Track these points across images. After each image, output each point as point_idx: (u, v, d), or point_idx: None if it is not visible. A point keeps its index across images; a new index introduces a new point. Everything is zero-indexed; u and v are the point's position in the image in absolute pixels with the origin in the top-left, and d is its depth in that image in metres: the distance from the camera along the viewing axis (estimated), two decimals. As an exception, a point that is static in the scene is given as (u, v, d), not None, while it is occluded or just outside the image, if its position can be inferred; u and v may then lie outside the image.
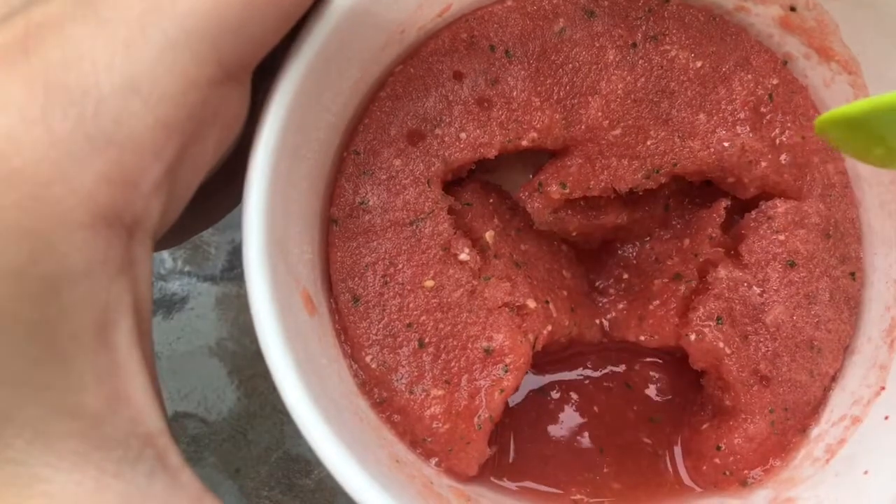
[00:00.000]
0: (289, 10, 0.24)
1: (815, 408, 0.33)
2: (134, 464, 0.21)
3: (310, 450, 0.40)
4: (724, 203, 0.34)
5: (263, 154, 0.25)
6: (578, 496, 0.32)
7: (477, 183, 0.35)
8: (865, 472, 0.29)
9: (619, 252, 0.37)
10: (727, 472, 0.32)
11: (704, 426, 0.34)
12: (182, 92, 0.21)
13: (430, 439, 0.30)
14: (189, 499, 0.22)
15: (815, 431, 0.33)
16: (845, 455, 0.30)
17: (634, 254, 0.37)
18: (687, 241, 0.35)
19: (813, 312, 0.33)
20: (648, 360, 0.35)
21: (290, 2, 0.23)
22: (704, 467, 0.33)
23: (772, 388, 0.32)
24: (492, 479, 0.32)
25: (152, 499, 0.21)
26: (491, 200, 0.35)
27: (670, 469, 0.33)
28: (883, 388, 0.31)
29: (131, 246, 0.21)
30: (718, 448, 0.33)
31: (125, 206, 0.20)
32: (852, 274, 0.34)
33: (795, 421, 0.33)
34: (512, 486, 0.32)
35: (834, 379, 0.33)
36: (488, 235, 0.33)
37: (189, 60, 0.21)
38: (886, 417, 0.30)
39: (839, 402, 0.33)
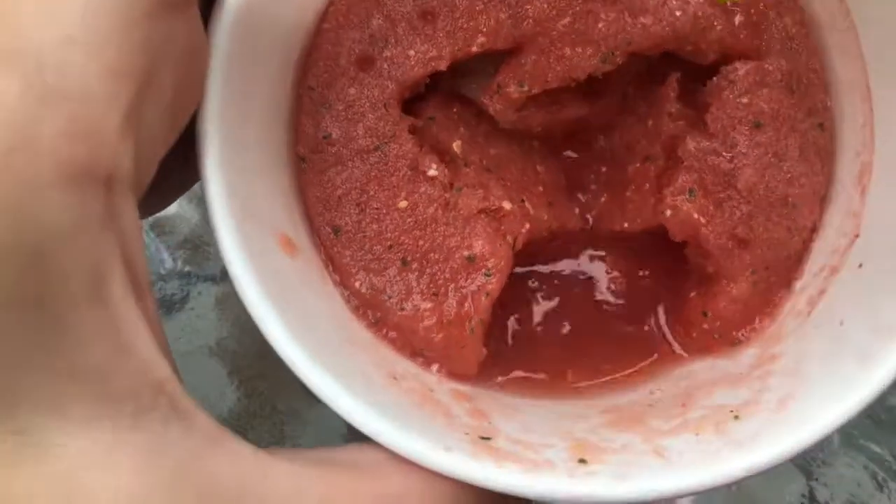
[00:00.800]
0: None
1: (798, 261, 0.34)
2: (148, 413, 0.21)
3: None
4: (675, 76, 0.34)
5: (211, 102, 0.26)
6: (575, 380, 0.34)
7: (439, 95, 0.35)
8: (841, 323, 0.30)
9: (594, 146, 0.37)
10: (716, 336, 0.34)
11: (691, 295, 0.35)
12: (120, 32, 0.20)
13: (427, 350, 0.32)
14: (206, 440, 0.22)
15: (798, 285, 0.34)
16: (824, 306, 0.31)
17: (608, 146, 0.37)
18: (651, 122, 0.35)
19: (784, 169, 0.33)
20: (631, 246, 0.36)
21: None
22: (694, 334, 0.34)
23: (751, 249, 0.33)
24: (493, 376, 0.34)
25: (170, 445, 0.21)
26: (455, 110, 0.35)
27: (658, 337, 0.35)
28: (857, 236, 0.32)
29: (110, 199, 0.20)
30: (705, 314, 0.34)
31: (92, 159, 0.20)
32: (820, 125, 0.34)
33: (779, 277, 0.34)
34: (509, 378, 0.34)
35: (814, 230, 0.34)
36: (455, 145, 0.34)
37: None
38: (860, 265, 0.31)
39: (819, 253, 0.34)
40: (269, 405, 0.42)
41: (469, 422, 0.29)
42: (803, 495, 0.39)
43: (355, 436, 0.26)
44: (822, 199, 0.34)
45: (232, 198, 0.26)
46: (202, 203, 0.45)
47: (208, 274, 0.44)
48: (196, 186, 0.45)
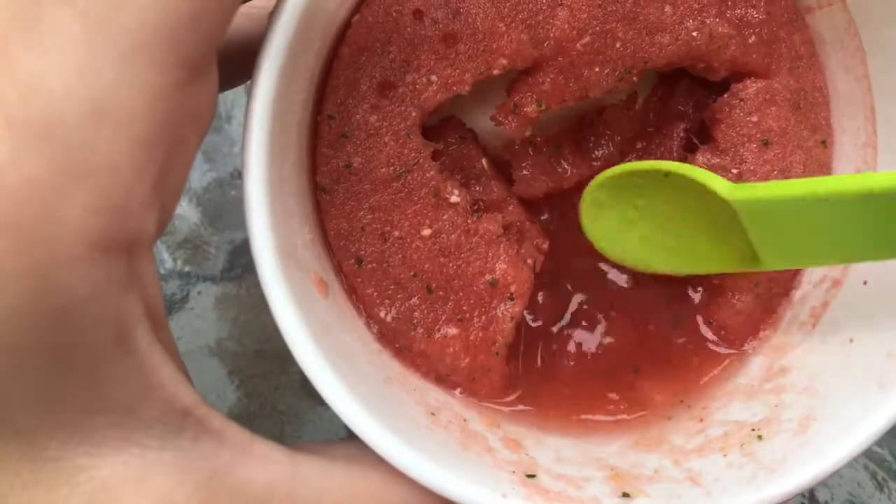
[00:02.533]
0: None
1: (796, 272, 0.36)
2: (177, 433, 0.22)
3: None
4: (682, 127, 0.35)
5: (257, 156, 0.25)
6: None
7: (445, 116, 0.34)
8: (851, 341, 0.31)
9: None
10: (722, 344, 0.35)
11: (697, 303, 0.36)
12: (150, 105, 0.20)
13: (453, 374, 0.32)
14: (236, 450, 0.24)
15: (797, 294, 0.35)
16: (829, 320, 0.33)
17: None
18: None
19: (790, 186, 0.34)
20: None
21: None
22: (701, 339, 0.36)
23: (756, 262, 0.34)
24: (515, 398, 0.34)
25: (202, 459, 0.23)
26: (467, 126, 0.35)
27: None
28: (859, 249, 0.34)
29: (132, 262, 0.21)
30: (710, 323, 0.35)
31: (118, 230, 0.20)
32: (823, 141, 0.35)
33: (779, 288, 0.35)
34: (529, 408, 0.34)
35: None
36: (485, 161, 0.34)
37: (150, 71, 0.20)
38: (865, 282, 0.33)
39: (818, 262, 0.35)
40: (269, 405, 0.43)
41: (509, 456, 0.29)
42: (803, 495, 0.41)
43: (354, 439, 0.26)
44: (820, 212, 0.35)
45: (277, 245, 0.25)
46: (202, 202, 0.45)
47: (208, 274, 0.43)
48: (195, 185, 0.45)
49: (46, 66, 0.19)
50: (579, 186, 0.37)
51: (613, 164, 0.37)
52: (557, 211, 0.37)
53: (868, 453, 0.42)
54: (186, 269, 0.43)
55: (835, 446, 0.28)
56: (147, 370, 0.22)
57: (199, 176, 0.44)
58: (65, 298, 0.19)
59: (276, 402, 0.43)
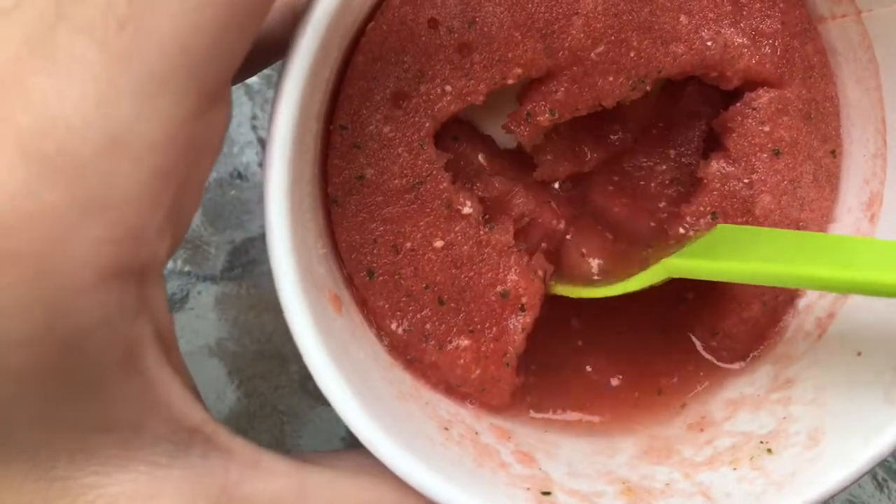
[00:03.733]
0: (259, 11, 0.22)
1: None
2: (186, 450, 0.23)
3: (309, 450, 0.42)
4: (702, 121, 0.35)
5: (279, 175, 0.24)
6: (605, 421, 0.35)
7: (456, 124, 0.34)
8: (858, 354, 0.32)
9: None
10: (726, 353, 0.35)
11: (702, 311, 0.36)
12: (168, 137, 0.20)
13: (463, 385, 0.32)
14: (245, 464, 0.24)
15: (802, 302, 0.35)
16: (835, 331, 0.33)
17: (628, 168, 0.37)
18: (672, 152, 0.36)
19: (798, 196, 0.34)
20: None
21: (259, 5, 0.21)
22: (707, 347, 0.36)
23: (763, 271, 0.35)
24: (525, 409, 0.34)
25: (210, 475, 0.23)
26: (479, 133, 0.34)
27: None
28: (866, 262, 0.34)
29: (144, 288, 0.21)
30: (715, 333, 0.35)
31: (131, 259, 0.20)
32: (832, 152, 0.35)
33: (785, 296, 0.35)
34: (541, 417, 0.34)
35: (818, 251, 0.36)
36: (482, 157, 0.33)
37: (170, 104, 0.20)
38: (872, 295, 0.33)
39: (823, 271, 0.36)
40: (269, 405, 0.42)
41: (522, 471, 0.29)
42: None
43: (354, 439, 0.26)
44: (827, 222, 0.36)
45: (298, 267, 0.25)
46: (202, 202, 0.43)
47: (208, 274, 0.43)
48: None
49: (64, 97, 0.19)
50: (596, 169, 0.37)
51: (629, 149, 0.37)
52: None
53: None
54: (186, 269, 0.42)
55: (843, 465, 0.28)
56: (155, 390, 0.22)
57: None
58: (75, 326, 0.19)
59: (276, 402, 0.43)
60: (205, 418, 0.23)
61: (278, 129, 0.24)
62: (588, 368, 0.35)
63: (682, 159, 0.37)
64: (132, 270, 0.20)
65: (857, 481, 0.28)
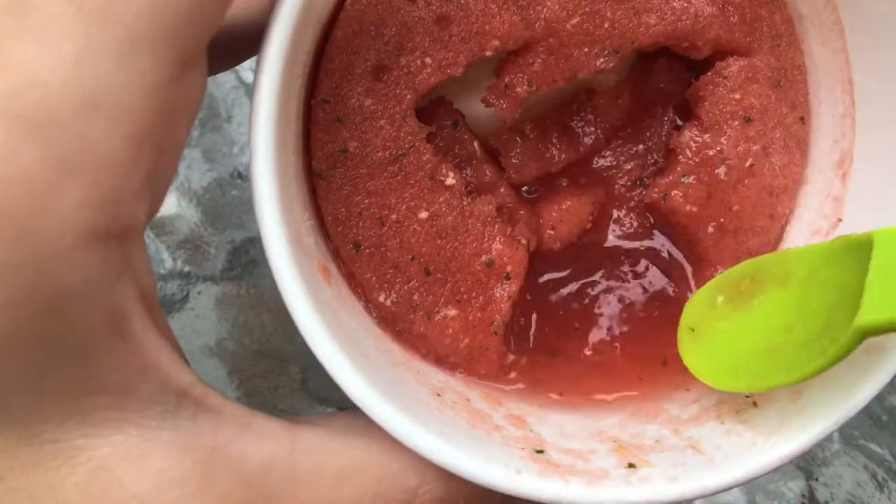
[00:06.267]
0: None
1: (775, 245, 0.37)
2: (175, 412, 0.23)
3: None
4: (669, 110, 0.36)
5: (265, 145, 0.25)
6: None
7: (457, 111, 0.35)
8: (837, 308, 0.32)
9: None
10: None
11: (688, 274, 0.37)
12: (145, 99, 0.20)
13: (452, 355, 0.33)
14: (236, 425, 0.24)
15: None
16: (814, 289, 0.34)
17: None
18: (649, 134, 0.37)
19: (770, 161, 0.35)
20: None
21: None
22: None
23: (738, 237, 0.35)
24: (512, 378, 0.34)
25: (201, 436, 0.23)
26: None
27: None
28: (840, 220, 0.35)
29: (124, 250, 0.21)
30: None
31: (112, 221, 0.20)
32: (802, 118, 0.36)
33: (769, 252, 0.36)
34: (528, 387, 0.35)
35: (790, 215, 0.37)
36: (477, 145, 0.34)
37: (146, 65, 0.20)
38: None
39: (797, 233, 0.36)
40: (269, 405, 0.42)
41: (515, 433, 0.30)
42: (803, 495, 0.42)
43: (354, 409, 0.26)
44: (799, 186, 0.37)
45: (287, 232, 0.25)
46: (202, 202, 0.45)
47: (208, 274, 0.43)
48: (195, 185, 0.44)
49: (41, 58, 0.19)
50: (567, 168, 0.37)
51: (600, 150, 0.38)
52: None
53: (868, 453, 0.42)
54: (186, 269, 0.43)
55: (830, 410, 0.29)
56: (142, 352, 0.22)
57: (199, 176, 0.44)
58: (58, 288, 0.19)
59: (276, 402, 0.43)
60: (193, 381, 0.24)
61: (263, 96, 0.25)
62: (588, 351, 0.35)
63: (649, 157, 0.38)
64: (113, 233, 0.20)
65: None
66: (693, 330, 0.32)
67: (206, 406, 0.24)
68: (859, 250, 0.26)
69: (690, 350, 0.32)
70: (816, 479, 0.43)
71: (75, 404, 0.21)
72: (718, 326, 0.31)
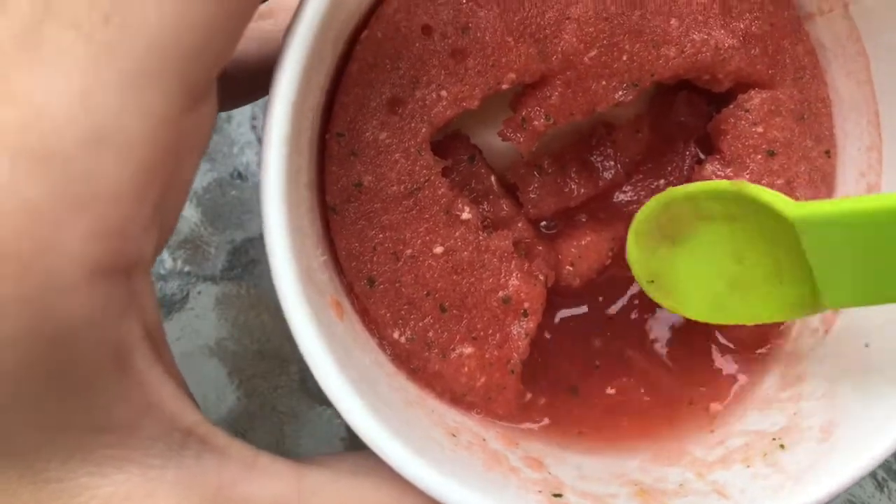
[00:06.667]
0: (247, 11, 0.22)
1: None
2: (180, 452, 0.22)
3: (309, 450, 0.42)
4: (691, 144, 0.35)
5: (276, 179, 0.24)
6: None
7: (473, 145, 0.34)
8: (866, 346, 0.31)
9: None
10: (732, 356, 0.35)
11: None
12: (154, 132, 0.20)
13: (468, 394, 0.32)
14: (241, 465, 0.23)
15: (807, 301, 0.35)
16: (842, 326, 0.33)
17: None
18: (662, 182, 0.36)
19: (794, 196, 0.34)
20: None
21: (247, 4, 0.22)
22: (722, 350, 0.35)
23: (765, 271, 0.34)
24: (531, 419, 0.34)
25: (205, 476, 0.23)
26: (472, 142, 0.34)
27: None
28: (867, 256, 0.34)
29: (131, 285, 0.21)
30: (717, 337, 0.35)
31: (118, 256, 0.20)
32: (827, 152, 0.35)
33: (789, 296, 0.35)
34: (543, 425, 0.34)
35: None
36: (494, 179, 0.33)
37: (155, 98, 0.20)
38: (876, 285, 0.33)
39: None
40: (269, 405, 0.42)
41: (532, 475, 0.29)
42: None
43: (354, 440, 0.26)
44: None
45: (298, 269, 0.24)
46: (202, 202, 0.44)
47: (208, 274, 0.43)
48: (196, 185, 0.44)
49: (49, 91, 0.19)
50: (586, 203, 0.37)
51: (620, 184, 0.37)
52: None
53: None
54: (186, 269, 0.43)
55: (861, 452, 0.28)
56: (146, 390, 0.21)
57: (200, 176, 0.44)
58: (63, 324, 0.19)
59: (276, 402, 0.43)
60: (198, 419, 0.23)
61: (273, 129, 0.24)
62: (610, 389, 0.34)
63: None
64: (119, 267, 0.20)
65: (873, 469, 0.28)
66: (653, 282, 0.32)
67: (211, 445, 0.23)
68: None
69: (664, 298, 0.32)
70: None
71: (78, 442, 0.21)
72: (673, 270, 0.32)
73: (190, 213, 0.43)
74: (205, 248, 0.43)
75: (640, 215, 0.32)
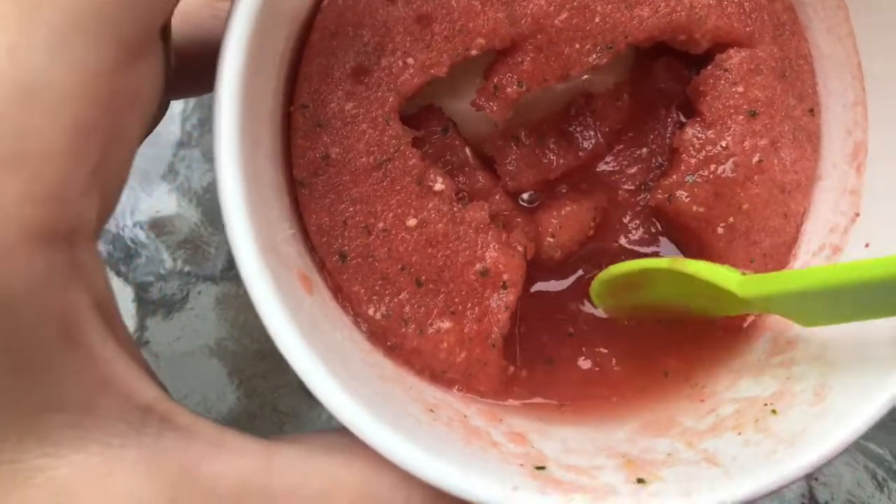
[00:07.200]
0: None
1: (791, 245, 0.34)
2: (139, 429, 0.22)
3: None
4: (672, 110, 0.34)
5: (228, 143, 0.23)
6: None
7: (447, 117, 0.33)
8: (859, 306, 0.30)
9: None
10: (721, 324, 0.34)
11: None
12: (86, 88, 0.19)
13: (448, 371, 0.31)
14: (206, 443, 0.23)
15: (796, 265, 0.34)
16: (833, 288, 0.32)
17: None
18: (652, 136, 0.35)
19: (780, 157, 0.33)
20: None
21: None
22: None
23: (749, 238, 0.33)
24: (512, 396, 0.33)
25: (167, 455, 0.22)
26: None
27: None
28: (857, 215, 0.33)
29: (75, 253, 0.20)
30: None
31: (56, 219, 0.19)
32: (811, 110, 0.34)
33: (775, 263, 0.34)
34: (527, 402, 0.33)
35: (805, 213, 0.35)
36: (469, 151, 0.32)
37: (85, 52, 0.19)
38: (867, 245, 0.32)
39: (815, 232, 0.34)
40: (269, 405, 0.42)
41: (514, 449, 0.28)
42: (803, 495, 0.40)
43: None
44: (812, 183, 0.35)
45: (257, 236, 0.24)
46: (202, 202, 0.44)
47: (208, 274, 0.43)
48: (195, 185, 0.44)
49: None
50: (567, 174, 0.36)
51: (601, 155, 0.36)
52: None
53: (868, 453, 0.41)
54: (186, 269, 0.43)
55: (854, 413, 0.27)
56: (99, 365, 0.21)
57: (199, 176, 0.44)
58: (3, 292, 0.18)
59: (276, 402, 0.42)
60: (158, 396, 0.22)
61: (223, 93, 0.23)
62: (584, 360, 0.33)
63: (654, 160, 0.36)
64: (59, 233, 0.19)
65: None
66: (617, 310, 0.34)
67: (174, 423, 0.22)
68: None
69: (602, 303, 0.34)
70: (816, 479, 0.41)
71: (31, 422, 0.20)
72: (633, 306, 0.33)
73: (190, 213, 0.43)
74: (205, 248, 0.43)
75: (594, 285, 0.33)
